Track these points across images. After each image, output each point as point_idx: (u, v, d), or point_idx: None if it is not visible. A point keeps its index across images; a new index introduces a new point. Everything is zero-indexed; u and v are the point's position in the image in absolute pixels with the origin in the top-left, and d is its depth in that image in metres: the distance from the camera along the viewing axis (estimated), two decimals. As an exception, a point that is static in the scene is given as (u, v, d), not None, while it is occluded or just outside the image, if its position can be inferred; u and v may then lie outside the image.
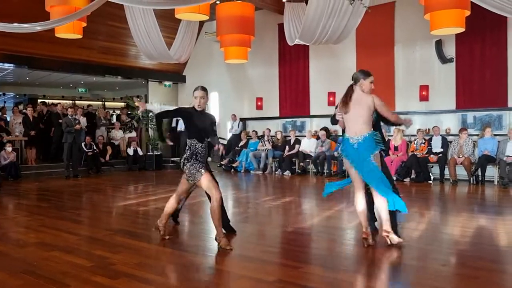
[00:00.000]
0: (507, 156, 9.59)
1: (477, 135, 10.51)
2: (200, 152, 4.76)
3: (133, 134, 15.64)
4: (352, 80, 4.75)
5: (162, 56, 11.74)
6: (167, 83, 16.81)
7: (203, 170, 4.70)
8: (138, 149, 14.71)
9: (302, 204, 8.10)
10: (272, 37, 14.00)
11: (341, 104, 4.76)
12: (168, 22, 12.01)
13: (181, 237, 5.50)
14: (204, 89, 4.87)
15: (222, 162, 14.10)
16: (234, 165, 13.72)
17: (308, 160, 12.67)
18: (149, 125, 15.25)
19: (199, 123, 4.74)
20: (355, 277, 3.89)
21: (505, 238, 5.12)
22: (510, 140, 9.72)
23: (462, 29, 8.62)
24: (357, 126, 4.62)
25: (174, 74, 16.70)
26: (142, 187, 10.47)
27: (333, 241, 5.13)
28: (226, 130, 15.32)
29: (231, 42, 10.86)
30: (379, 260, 4.37)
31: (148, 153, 15.04)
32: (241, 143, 14.17)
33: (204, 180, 4.68)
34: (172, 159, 15.23)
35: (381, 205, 4.56)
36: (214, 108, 16.08)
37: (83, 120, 13.15)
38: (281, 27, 12.11)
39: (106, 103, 22.39)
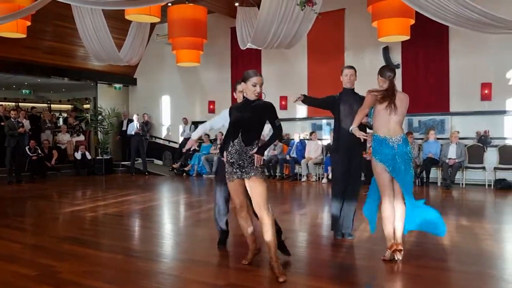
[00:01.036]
0: (449, 158, 10.05)
1: (422, 138, 10.95)
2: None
3: (81, 137, 15.15)
4: (391, 74, 4.22)
5: (112, 58, 11.46)
6: (117, 85, 16.39)
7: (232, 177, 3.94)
8: (87, 153, 14.26)
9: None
10: (225, 41, 14.01)
11: (384, 98, 4.17)
12: (118, 23, 11.74)
13: (131, 243, 5.38)
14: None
15: (174, 166, 13.93)
16: (186, 169, 13.58)
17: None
18: (98, 128, 14.83)
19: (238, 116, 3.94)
20: (307, 278, 3.94)
21: (447, 237, 5.35)
22: (452, 143, 10.21)
23: (407, 37, 8.97)
24: (393, 125, 4.18)
25: (125, 77, 16.32)
26: (90, 192, 10.15)
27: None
28: (177, 134, 15.17)
29: (183, 45, 10.77)
30: (331, 261, 4.45)
31: (97, 157, 14.62)
32: (194, 147, 14.04)
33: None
34: (123, 163, 14.91)
35: (403, 216, 4.21)
36: (165, 111, 15.89)
37: (27, 123, 12.61)
38: (233, 31, 12.15)
39: (52, 105, 21.56)
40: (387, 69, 4.32)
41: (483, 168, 10.12)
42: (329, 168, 11.40)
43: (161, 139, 15.82)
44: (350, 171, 4.99)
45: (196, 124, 14.86)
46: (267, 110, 3.90)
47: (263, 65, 13.62)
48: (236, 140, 3.85)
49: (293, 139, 12.59)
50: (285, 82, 13.07)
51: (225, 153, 3.95)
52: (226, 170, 3.95)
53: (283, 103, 13.16)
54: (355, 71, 5.20)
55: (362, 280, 3.89)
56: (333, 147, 5.33)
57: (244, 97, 3.99)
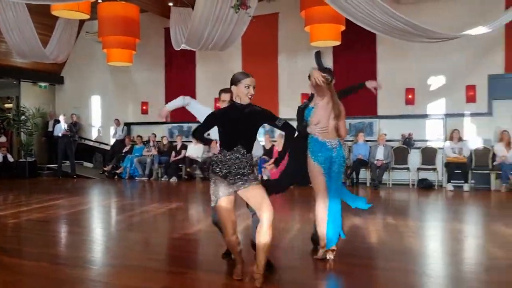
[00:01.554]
0: (377, 160, 10.53)
1: (351, 140, 11.37)
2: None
3: (3, 139, 14.22)
4: (331, 77, 4.33)
5: (36, 55, 10.87)
6: (42, 84, 15.52)
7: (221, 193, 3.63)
8: (8, 155, 13.41)
9: (189, 210, 8.05)
10: (158, 41, 13.75)
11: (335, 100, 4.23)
12: (44, 19, 11.15)
13: (57, 249, 5.12)
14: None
15: (105, 168, 13.47)
16: (117, 171, 13.17)
17: (195, 166, 12.64)
18: (21, 129, 14.00)
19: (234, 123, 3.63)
20: (241, 280, 3.94)
21: (375, 235, 5.59)
22: (380, 145, 10.71)
23: (338, 42, 9.29)
24: (331, 128, 4.24)
25: (51, 75, 15.50)
26: (12, 197, 9.54)
27: (220, 245, 5.14)
28: (109, 136, 14.66)
29: (115, 44, 10.46)
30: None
31: (20, 160, 13.78)
32: (125, 149, 13.67)
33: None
34: (49, 166, 14.19)
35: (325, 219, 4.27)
36: (95, 112, 15.31)
37: None
38: (167, 31, 11.97)
39: (-32, 104, 20.05)
40: (327, 72, 4.37)
41: (407, 168, 10.70)
42: (263, 169, 11.55)
43: (91, 140, 15.22)
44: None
45: (128, 125, 14.48)
46: (264, 117, 3.67)
47: (197, 67, 13.53)
48: (235, 148, 3.56)
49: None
50: (219, 84, 12.84)
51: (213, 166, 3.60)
52: (215, 185, 3.58)
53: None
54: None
55: (295, 280, 3.95)
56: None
57: (231, 102, 3.74)
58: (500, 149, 9.93)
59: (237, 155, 3.55)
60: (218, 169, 3.57)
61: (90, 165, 14.91)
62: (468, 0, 10.38)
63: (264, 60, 12.40)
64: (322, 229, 4.23)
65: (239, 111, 3.60)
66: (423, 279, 3.90)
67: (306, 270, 4.14)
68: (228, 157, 3.55)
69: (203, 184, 11.74)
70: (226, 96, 4.28)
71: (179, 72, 13.75)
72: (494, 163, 9.98)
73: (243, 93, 3.57)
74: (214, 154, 3.66)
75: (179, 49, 10.34)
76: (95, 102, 15.28)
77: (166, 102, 14.53)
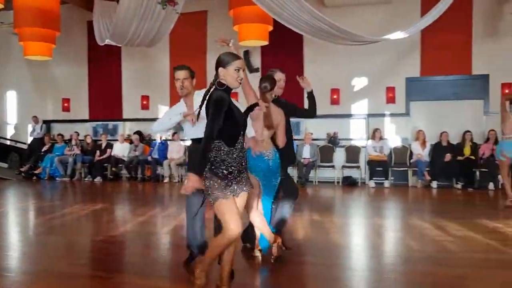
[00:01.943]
0: (304, 158, 10.82)
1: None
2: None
3: None
4: (267, 85, 4.25)
5: None
6: (-51, 77, 14.31)
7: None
8: None
9: (115, 211, 7.77)
10: (81, 35, 13.15)
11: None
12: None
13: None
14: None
15: (22, 169, 12.66)
16: (36, 172, 12.42)
17: (120, 165, 12.26)
18: None
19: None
20: (170, 282, 3.88)
21: (302, 232, 5.73)
22: (306, 144, 11.00)
23: (266, 42, 9.41)
24: (266, 139, 4.17)
25: (-40, 68, 14.32)
26: None
27: (147, 247, 5.04)
28: (26, 134, 13.79)
29: (32, 37, 9.83)
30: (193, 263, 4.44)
31: None
32: (45, 148, 12.94)
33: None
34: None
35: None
36: (11, 108, 14.35)
37: None
38: (90, 24, 11.45)
39: None
40: (263, 80, 4.29)
41: (333, 166, 11.09)
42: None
43: (7, 139, 14.24)
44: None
45: (48, 122, 13.72)
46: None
47: (123, 63, 13.12)
48: (238, 144, 3.10)
49: (155, 140, 12.35)
50: (147, 81, 12.79)
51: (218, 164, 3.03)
52: (217, 185, 3.02)
53: (144, 102, 12.85)
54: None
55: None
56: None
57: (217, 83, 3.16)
58: (416, 148, 10.58)
59: (239, 153, 3.11)
60: (220, 170, 3.03)
61: (4, 165, 13.93)
62: (389, 6, 10.95)
63: (192, 58, 12.24)
64: (266, 229, 4.06)
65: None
66: (347, 272, 4.06)
67: (235, 268, 4.14)
68: (232, 154, 3.07)
69: (130, 183, 11.41)
70: (180, 74, 3.92)
71: (104, 68, 13.24)
72: (411, 160, 10.62)
73: (233, 77, 3.08)
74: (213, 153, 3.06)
75: (103, 44, 9.93)
76: (11, 98, 14.33)
77: (90, 99, 14.03)
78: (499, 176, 8.74)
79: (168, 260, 4.57)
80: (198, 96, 3.78)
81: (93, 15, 10.54)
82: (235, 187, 3.08)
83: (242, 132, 3.15)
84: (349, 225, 6.48)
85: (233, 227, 2.99)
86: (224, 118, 3.00)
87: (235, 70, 3.09)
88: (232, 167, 3.05)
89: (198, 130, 3.58)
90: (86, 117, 13.57)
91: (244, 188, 3.15)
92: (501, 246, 4.85)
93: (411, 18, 9.96)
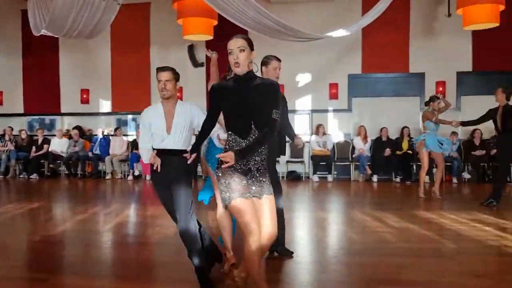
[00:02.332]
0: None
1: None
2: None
3: None
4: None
5: None
6: None
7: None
8: None
9: (53, 209, 7.45)
10: (15, 24, 12.44)
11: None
12: None
13: None
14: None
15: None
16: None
17: (59, 161, 11.77)
18: None
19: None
20: (111, 281, 3.77)
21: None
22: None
23: (211, 37, 9.33)
24: None
25: None
26: None
27: (88, 246, 4.87)
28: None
29: (-40, 25, 9.19)
30: (137, 260, 4.34)
31: None
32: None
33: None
34: None
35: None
36: None
37: None
38: (24, 13, 10.85)
39: None
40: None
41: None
42: (135, 164, 11.19)
43: None
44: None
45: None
46: (271, 93, 2.79)
47: (61, 55, 12.57)
48: (250, 137, 2.76)
49: (96, 135, 11.94)
50: (87, 74, 12.33)
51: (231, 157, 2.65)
52: (233, 183, 2.72)
53: (84, 96, 12.39)
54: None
55: (170, 277, 3.89)
56: None
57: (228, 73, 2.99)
58: (358, 143, 10.91)
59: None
60: (238, 164, 2.74)
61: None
62: (332, 4, 11.17)
63: (135, 51, 11.98)
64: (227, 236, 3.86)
65: (245, 82, 2.83)
66: (293, 265, 4.12)
67: (180, 265, 4.08)
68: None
69: (69, 180, 10.98)
70: (163, 75, 3.47)
71: (40, 60, 12.61)
72: (353, 155, 10.94)
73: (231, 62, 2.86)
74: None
75: (39, 34, 9.45)
76: None
77: (24, 92, 13.32)
78: (434, 170, 9.17)
79: (110, 259, 4.45)
80: (180, 106, 3.48)
81: (28, 3, 9.97)
82: (254, 188, 2.79)
83: (253, 123, 2.76)
84: (294, 219, 6.57)
85: (255, 226, 2.71)
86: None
87: (229, 53, 2.88)
88: (248, 164, 2.77)
89: (175, 140, 3.40)
90: (21, 111, 12.89)
91: (266, 192, 2.82)
92: (435, 236, 5.11)
93: (353, 17, 10.24)
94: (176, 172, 3.35)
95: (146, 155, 3.55)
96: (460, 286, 3.54)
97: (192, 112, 3.48)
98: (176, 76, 3.52)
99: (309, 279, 3.84)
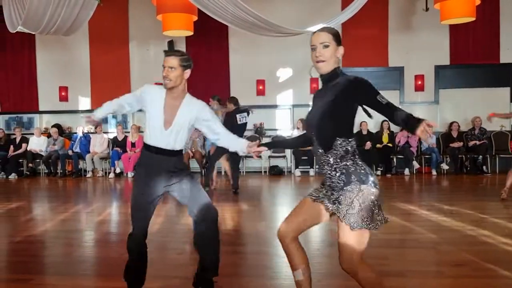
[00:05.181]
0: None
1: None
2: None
3: None
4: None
5: None
6: None
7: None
8: None
9: (33, 209, 7.35)
10: (-11, 21, 12.18)
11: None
12: None
13: None
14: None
15: None
16: None
17: (38, 160, 11.59)
18: None
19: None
20: (95, 280, 3.75)
21: (231, 222, 5.77)
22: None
23: (191, 33, 9.27)
24: None
25: None
26: None
27: (69, 245, 4.82)
28: None
29: None
30: (120, 259, 4.31)
31: None
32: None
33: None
34: None
35: None
36: None
37: None
38: (0, 10, 10.63)
39: None
40: None
41: (260, 156, 11.22)
42: (116, 162, 11.09)
43: None
44: None
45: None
46: (358, 88, 2.45)
47: (38, 52, 12.36)
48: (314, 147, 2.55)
49: (76, 133, 11.79)
50: (65, 71, 12.15)
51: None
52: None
53: (62, 94, 12.20)
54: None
55: (157, 273, 3.88)
56: None
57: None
58: (338, 136, 10.99)
59: (319, 156, 2.54)
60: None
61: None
62: (311, -1, 11.24)
63: (114, 47, 11.85)
64: None
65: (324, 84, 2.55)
66: (275, 259, 4.15)
67: (163, 261, 4.09)
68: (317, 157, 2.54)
69: (49, 180, 10.83)
70: (168, 61, 2.92)
71: (16, 57, 12.38)
72: (334, 149, 11.02)
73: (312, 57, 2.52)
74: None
75: (14, 31, 9.27)
76: None
77: (0, 91, 13.07)
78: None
79: (93, 258, 4.42)
80: (187, 103, 3.02)
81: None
82: (321, 195, 2.60)
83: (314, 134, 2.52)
84: (276, 213, 6.61)
85: (280, 224, 2.60)
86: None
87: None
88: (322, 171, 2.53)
89: (171, 139, 2.98)
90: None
91: (329, 206, 2.49)
92: (416, 227, 5.21)
93: (333, 11, 10.29)
94: (175, 174, 3.03)
95: (106, 106, 3.16)
96: (438, 274, 3.62)
97: (197, 113, 3.03)
98: (184, 64, 2.93)
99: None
